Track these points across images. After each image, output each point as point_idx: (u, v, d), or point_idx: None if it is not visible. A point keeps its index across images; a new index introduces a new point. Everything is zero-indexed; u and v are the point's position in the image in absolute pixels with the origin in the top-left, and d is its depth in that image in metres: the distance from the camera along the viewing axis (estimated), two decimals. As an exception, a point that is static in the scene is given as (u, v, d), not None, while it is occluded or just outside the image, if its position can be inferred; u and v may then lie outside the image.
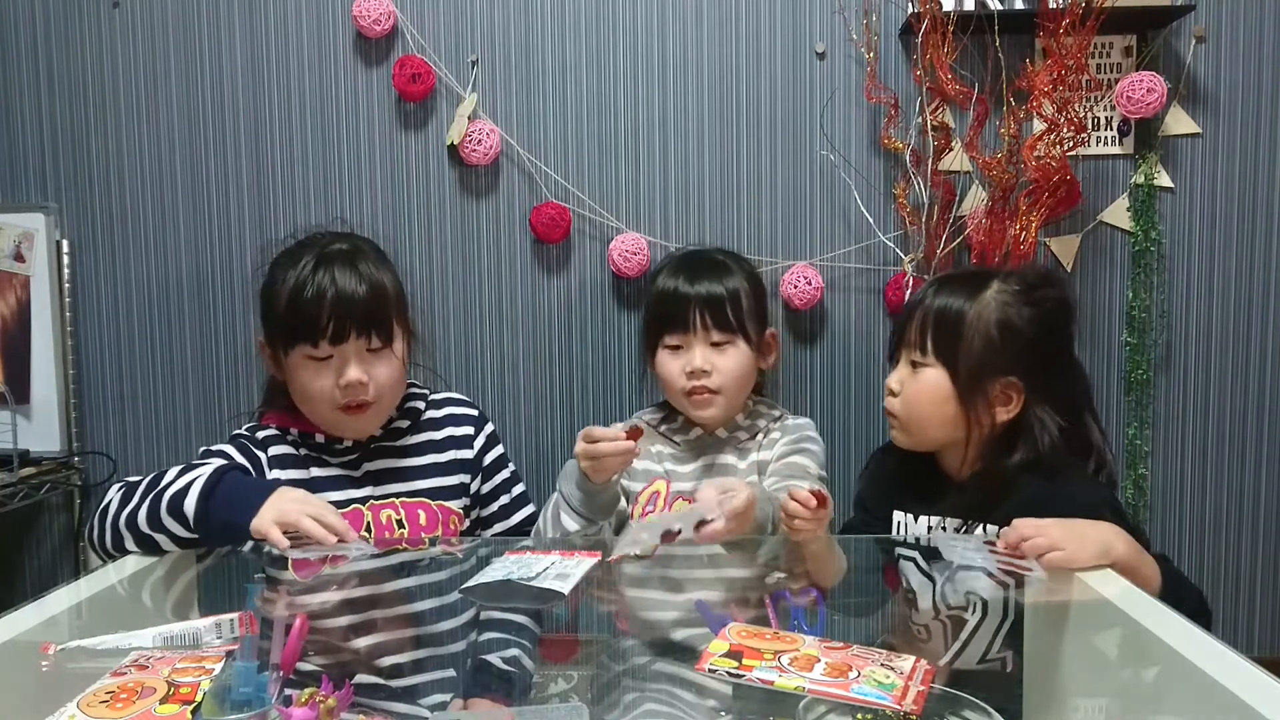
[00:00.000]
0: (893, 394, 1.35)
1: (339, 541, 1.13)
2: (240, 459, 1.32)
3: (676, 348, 1.53)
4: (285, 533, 1.11)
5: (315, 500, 1.16)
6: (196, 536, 1.15)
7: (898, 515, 1.40)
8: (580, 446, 1.32)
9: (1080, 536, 1.07)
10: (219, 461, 1.25)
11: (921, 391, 1.31)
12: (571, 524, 1.37)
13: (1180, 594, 1.13)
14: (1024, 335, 1.30)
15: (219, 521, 1.13)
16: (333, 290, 1.28)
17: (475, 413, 1.50)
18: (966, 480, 1.33)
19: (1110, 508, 1.26)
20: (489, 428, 1.50)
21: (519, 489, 1.50)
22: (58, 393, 1.97)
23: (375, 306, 1.31)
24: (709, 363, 1.49)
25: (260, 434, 1.37)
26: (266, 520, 1.12)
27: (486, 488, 1.46)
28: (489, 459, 1.47)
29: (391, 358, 1.33)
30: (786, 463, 1.48)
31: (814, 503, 1.14)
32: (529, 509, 1.50)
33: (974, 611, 1.14)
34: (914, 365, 1.33)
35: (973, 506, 1.31)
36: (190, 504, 1.14)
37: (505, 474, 1.49)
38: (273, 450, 1.35)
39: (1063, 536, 1.06)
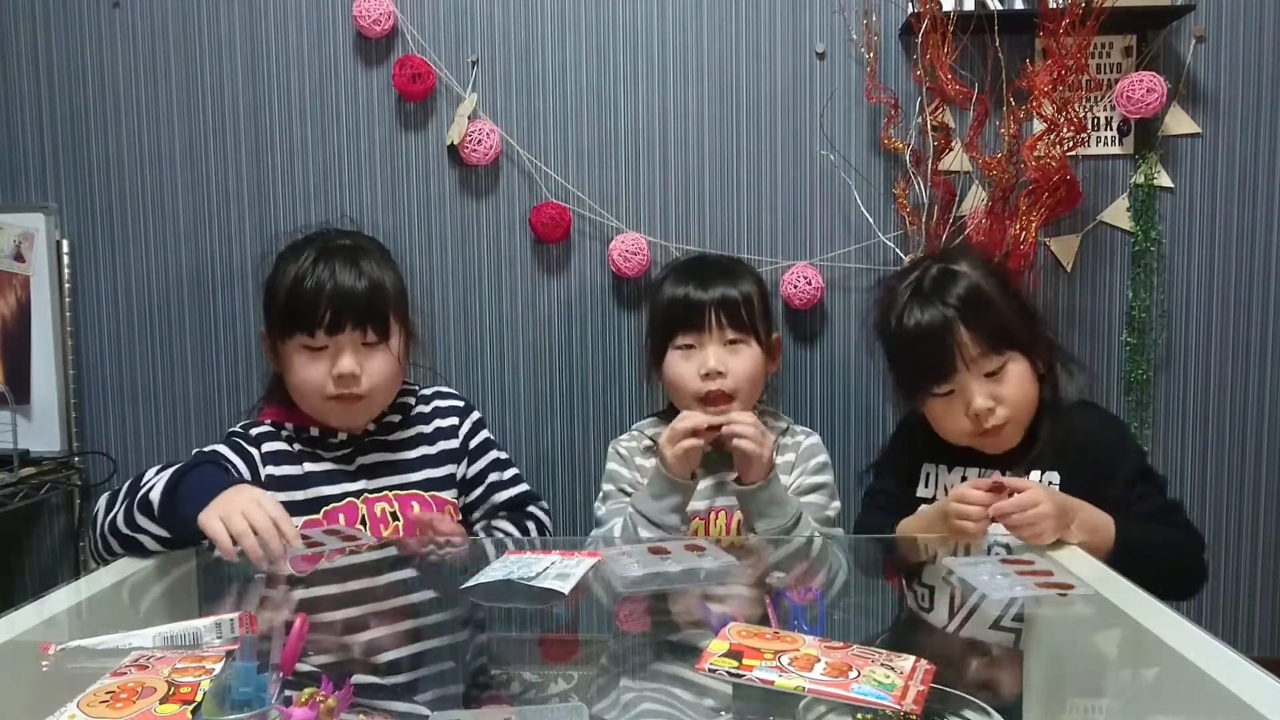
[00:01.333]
0: (990, 410, 1.30)
1: (269, 563, 1.11)
2: (233, 457, 1.34)
3: (689, 347, 1.50)
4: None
5: (262, 507, 1.11)
6: (169, 535, 1.15)
7: (927, 468, 1.41)
8: (671, 430, 1.37)
9: (1061, 506, 1.17)
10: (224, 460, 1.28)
11: (1019, 385, 1.31)
12: (650, 536, 1.39)
13: (1152, 553, 1.22)
14: (1022, 296, 1.39)
15: (180, 517, 1.13)
16: (331, 282, 1.31)
17: (461, 403, 1.51)
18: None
19: (1126, 437, 1.40)
20: (474, 415, 1.51)
21: (512, 471, 1.51)
22: (58, 393, 1.97)
23: (373, 301, 1.33)
24: (723, 363, 1.47)
25: (254, 430, 1.39)
26: (211, 515, 1.10)
27: (472, 471, 1.47)
28: (473, 443, 1.48)
29: (386, 353, 1.34)
30: (805, 502, 1.47)
31: (988, 500, 1.18)
32: (523, 487, 1.51)
33: None
34: (991, 375, 1.30)
35: (1009, 456, 1.35)
36: (155, 499, 1.14)
37: (492, 456, 1.49)
38: (266, 447, 1.37)
39: (1051, 505, 1.15)
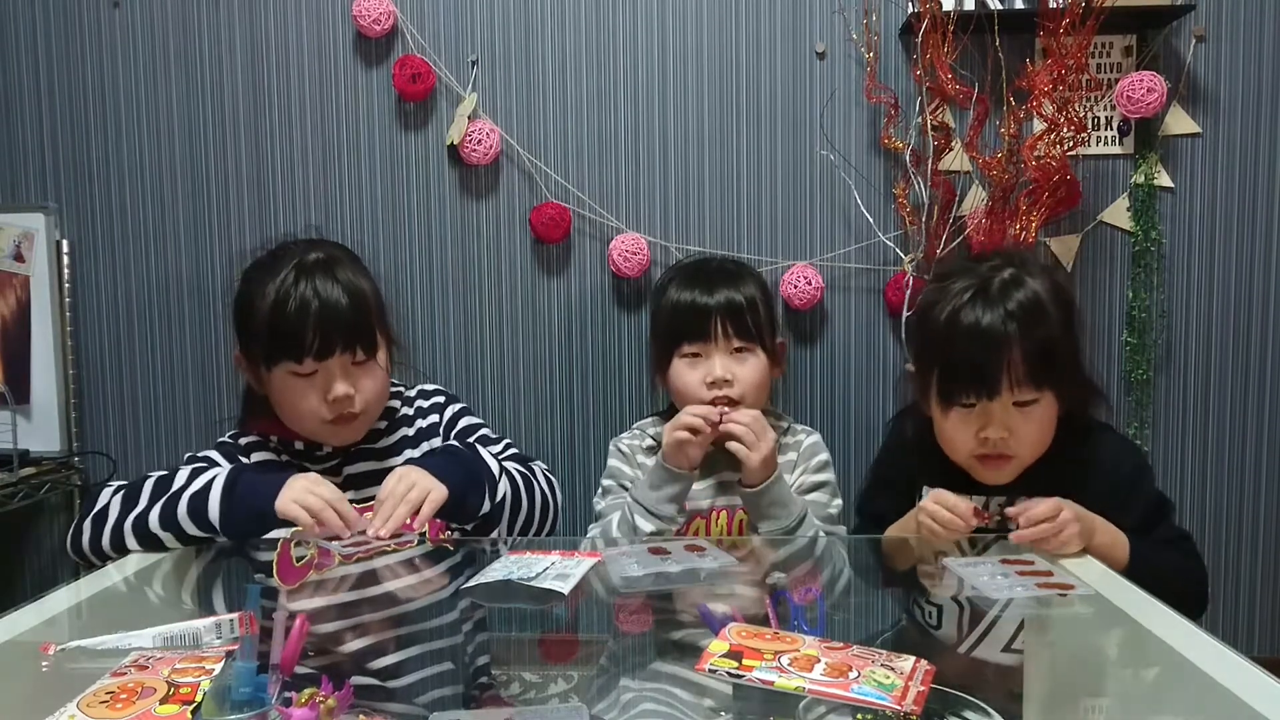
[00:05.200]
0: (1004, 441, 1.24)
1: (350, 532, 1.16)
2: (224, 463, 1.34)
3: (695, 356, 1.50)
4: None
5: (329, 487, 1.19)
6: (213, 534, 1.19)
7: (928, 492, 1.34)
8: (675, 420, 1.40)
9: (1084, 521, 1.14)
10: (219, 467, 1.28)
11: (1041, 426, 1.25)
12: (647, 526, 1.41)
13: (1162, 577, 1.17)
14: (1078, 325, 1.31)
15: (244, 514, 1.18)
16: (316, 304, 1.25)
17: (443, 399, 1.48)
18: None
19: (1145, 468, 1.33)
20: (455, 406, 1.48)
21: (503, 444, 1.45)
22: (58, 393, 1.97)
23: (358, 319, 1.28)
24: (729, 371, 1.47)
25: (242, 440, 1.39)
26: (287, 500, 1.16)
27: None
28: (454, 431, 1.45)
29: (376, 368, 1.32)
30: (808, 500, 1.47)
31: (968, 514, 1.19)
32: (515, 451, 1.45)
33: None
34: (1020, 405, 1.23)
35: (1018, 483, 1.29)
36: (214, 503, 1.18)
37: (478, 435, 1.45)
38: (255, 456, 1.37)
39: (1076, 520, 1.12)
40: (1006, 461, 1.27)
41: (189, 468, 1.26)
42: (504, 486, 1.29)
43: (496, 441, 1.46)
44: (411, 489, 1.19)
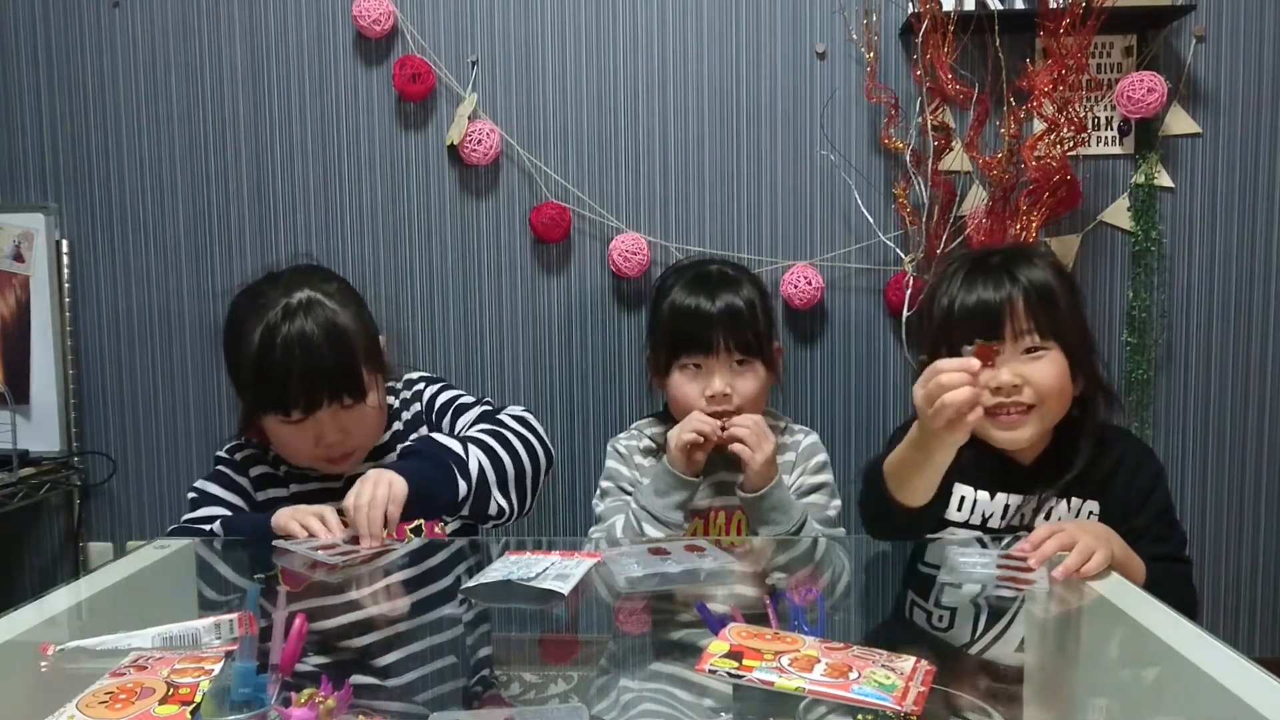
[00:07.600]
0: (1017, 389, 1.24)
1: (339, 538, 1.18)
2: (229, 496, 1.35)
3: (695, 367, 1.50)
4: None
5: (311, 507, 1.23)
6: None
7: (962, 489, 1.32)
8: (681, 434, 1.42)
9: (1098, 534, 1.09)
10: (222, 506, 1.35)
11: (1054, 377, 1.24)
12: (656, 533, 1.42)
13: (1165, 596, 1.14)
14: (1081, 304, 1.34)
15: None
16: (299, 356, 1.23)
17: (422, 385, 1.48)
18: (1039, 457, 1.31)
19: (1162, 475, 1.32)
20: (434, 387, 1.47)
21: (480, 407, 1.44)
22: (58, 393, 1.97)
23: (344, 369, 1.27)
24: (729, 385, 1.47)
25: (239, 455, 1.39)
26: (284, 515, 1.20)
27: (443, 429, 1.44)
28: (435, 408, 1.45)
29: (366, 409, 1.31)
30: (807, 503, 1.48)
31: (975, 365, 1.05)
32: (488, 408, 1.45)
33: (1021, 597, 1.11)
34: (1030, 351, 1.25)
35: (1043, 482, 1.29)
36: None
37: (454, 406, 1.45)
38: (254, 471, 1.37)
39: (1093, 538, 1.07)
40: (1022, 416, 1.25)
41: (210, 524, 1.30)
42: (475, 460, 1.28)
43: (473, 406, 1.45)
44: (375, 489, 1.19)
